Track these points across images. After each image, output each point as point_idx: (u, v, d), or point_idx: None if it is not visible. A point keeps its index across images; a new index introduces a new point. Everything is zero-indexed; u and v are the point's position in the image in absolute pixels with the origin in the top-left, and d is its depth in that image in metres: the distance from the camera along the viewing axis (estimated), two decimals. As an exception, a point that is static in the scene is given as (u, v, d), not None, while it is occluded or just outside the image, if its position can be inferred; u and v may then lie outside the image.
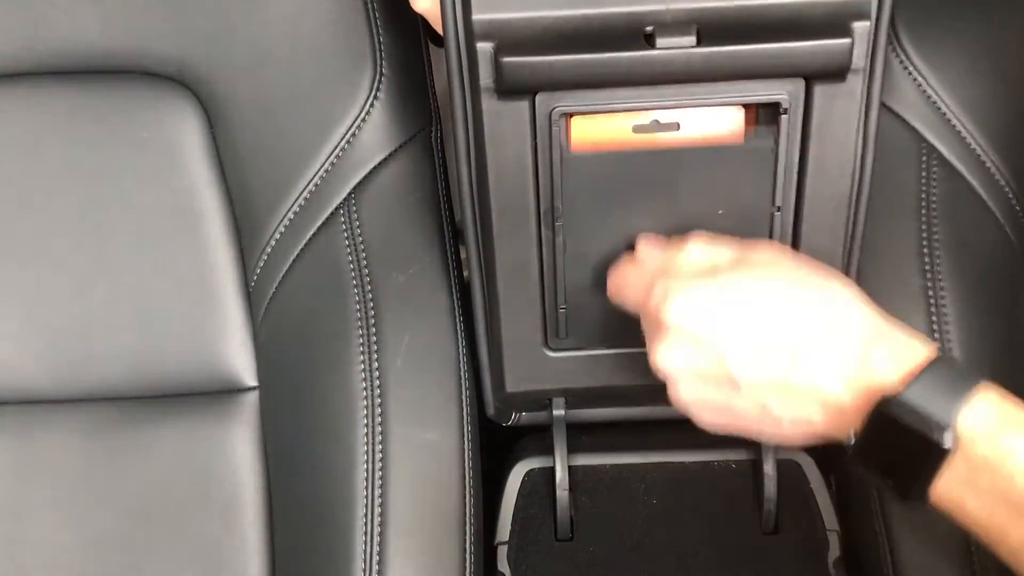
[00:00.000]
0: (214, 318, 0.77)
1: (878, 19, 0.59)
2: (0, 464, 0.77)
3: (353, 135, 0.73)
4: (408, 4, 0.75)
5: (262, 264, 0.76)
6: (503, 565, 0.76)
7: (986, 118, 0.74)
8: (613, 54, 0.57)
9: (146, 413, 0.77)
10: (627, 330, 0.69)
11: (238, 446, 0.76)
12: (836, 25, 0.58)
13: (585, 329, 0.70)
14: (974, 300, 0.73)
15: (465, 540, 0.72)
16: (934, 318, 0.72)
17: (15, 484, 0.76)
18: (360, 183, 0.74)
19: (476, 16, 0.57)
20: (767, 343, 0.54)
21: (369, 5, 0.72)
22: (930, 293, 0.72)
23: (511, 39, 0.58)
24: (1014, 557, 0.50)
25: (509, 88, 0.59)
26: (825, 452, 0.81)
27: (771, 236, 0.65)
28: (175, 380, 0.77)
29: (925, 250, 0.73)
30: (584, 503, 0.78)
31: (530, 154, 0.62)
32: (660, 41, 0.56)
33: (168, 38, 0.73)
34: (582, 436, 0.80)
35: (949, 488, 0.51)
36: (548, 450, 0.77)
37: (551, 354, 0.71)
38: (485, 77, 0.59)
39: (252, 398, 0.77)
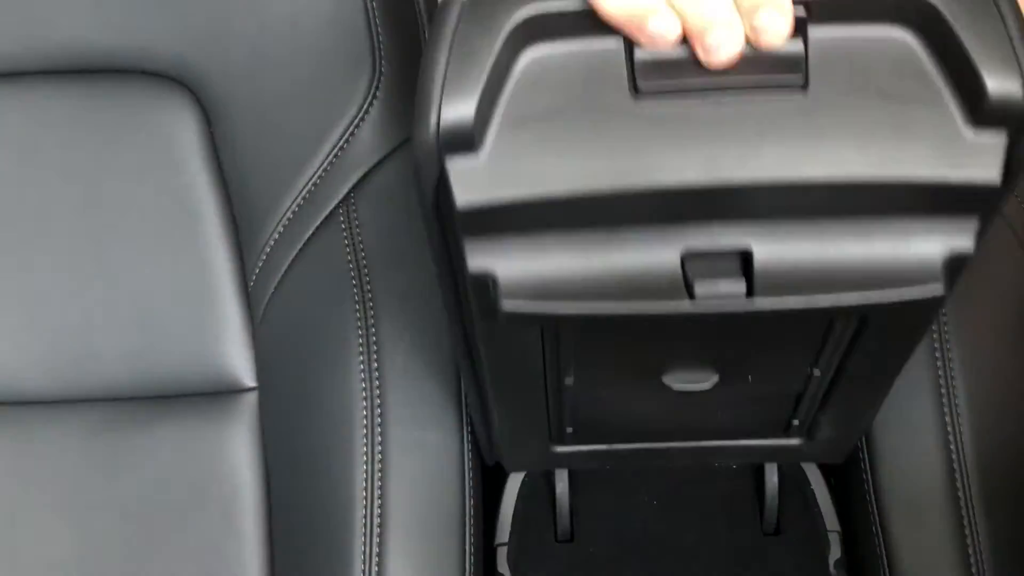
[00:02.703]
0: (213, 318, 0.77)
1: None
2: None
3: (352, 134, 0.73)
4: (408, 4, 0.75)
5: (261, 264, 0.76)
6: (503, 566, 0.76)
7: None
8: (637, 303, 0.45)
9: (146, 413, 0.77)
10: (636, 432, 0.67)
11: (238, 446, 0.76)
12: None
13: (591, 435, 0.67)
14: (974, 299, 0.73)
15: (465, 541, 0.72)
16: (934, 318, 0.72)
17: (14, 484, 0.76)
18: (359, 182, 0.74)
19: (471, 262, 0.45)
20: None
21: (369, 5, 0.72)
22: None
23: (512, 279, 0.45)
24: None
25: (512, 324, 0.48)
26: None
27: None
28: (174, 380, 0.77)
29: (926, 250, 0.73)
30: (584, 503, 0.78)
31: (539, 349, 0.53)
32: (699, 288, 0.44)
33: (168, 38, 0.73)
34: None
35: None
36: (548, 450, 0.77)
37: (555, 448, 0.69)
38: (484, 313, 0.48)
39: (251, 398, 0.77)
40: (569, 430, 0.64)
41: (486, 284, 0.45)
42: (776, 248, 0.43)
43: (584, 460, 0.71)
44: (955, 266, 0.44)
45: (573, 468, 0.73)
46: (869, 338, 0.51)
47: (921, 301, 0.44)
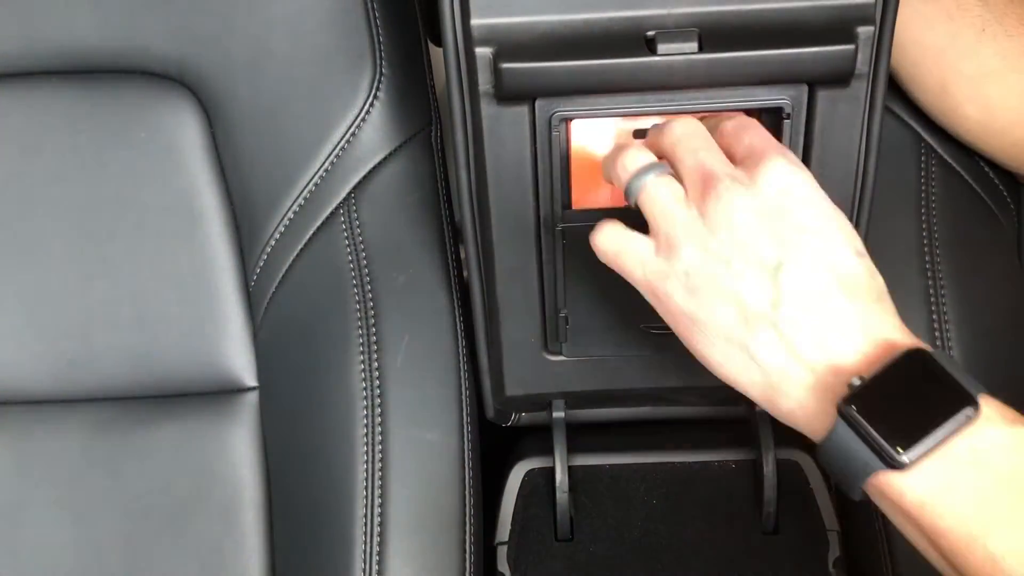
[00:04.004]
0: (214, 318, 0.77)
1: (882, 24, 0.58)
2: (0, 464, 0.77)
3: (353, 135, 0.73)
4: (408, 4, 0.75)
5: (262, 264, 0.76)
6: (503, 565, 0.76)
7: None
8: (614, 60, 0.56)
9: (146, 413, 0.77)
10: (628, 335, 0.69)
11: (238, 446, 0.76)
12: (840, 30, 0.57)
13: (585, 334, 0.69)
14: (974, 299, 0.73)
15: (465, 540, 0.72)
16: (934, 317, 0.72)
17: (15, 484, 0.76)
18: (360, 183, 0.74)
19: (475, 21, 0.57)
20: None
21: (369, 5, 0.72)
22: (930, 292, 0.73)
23: (511, 44, 0.57)
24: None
25: (508, 94, 0.58)
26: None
27: None
28: (175, 380, 0.77)
29: (925, 250, 0.73)
30: (584, 503, 0.78)
31: (530, 159, 0.61)
32: (662, 47, 0.56)
33: (168, 38, 0.73)
34: (582, 436, 0.79)
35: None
36: (548, 450, 0.77)
37: (551, 358, 0.70)
38: (484, 82, 0.58)
39: (252, 398, 0.77)
40: (563, 313, 0.67)
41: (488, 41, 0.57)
42: (720, 15, 0.56)
43: (577, 379, 0.71)
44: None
45: (568, 391, 0.73)
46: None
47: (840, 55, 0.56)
